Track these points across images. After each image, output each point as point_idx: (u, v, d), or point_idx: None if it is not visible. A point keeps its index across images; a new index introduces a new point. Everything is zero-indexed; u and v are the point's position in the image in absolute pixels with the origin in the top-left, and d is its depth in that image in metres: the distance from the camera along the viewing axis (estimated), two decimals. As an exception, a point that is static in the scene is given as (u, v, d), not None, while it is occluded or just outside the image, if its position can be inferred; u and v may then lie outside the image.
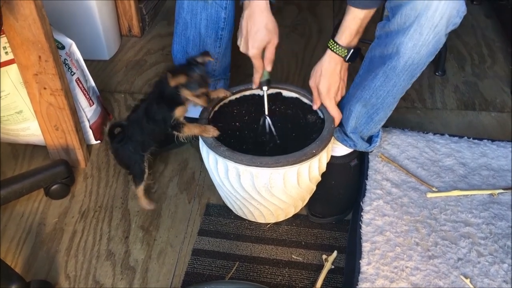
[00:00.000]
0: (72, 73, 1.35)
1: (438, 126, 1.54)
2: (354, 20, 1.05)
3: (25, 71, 1.22)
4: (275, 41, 1.11)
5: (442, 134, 1.40)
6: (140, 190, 1.25)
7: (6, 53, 1.23)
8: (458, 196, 1.23)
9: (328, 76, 1.12)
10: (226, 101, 1.24)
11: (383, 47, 1.08)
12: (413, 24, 0.98)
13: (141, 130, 1.20)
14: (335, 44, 1.09)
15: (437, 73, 1.74)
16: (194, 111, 1.23)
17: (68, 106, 1.29)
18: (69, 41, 1.35)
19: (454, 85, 1.71)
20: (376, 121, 1.20)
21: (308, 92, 1.21)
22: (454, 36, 1.91)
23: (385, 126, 1.42)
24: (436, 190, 1.24)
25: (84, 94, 1.40)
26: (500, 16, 1.95)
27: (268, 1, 1.09)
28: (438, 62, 1.74)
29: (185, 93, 1.10)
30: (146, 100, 1.21)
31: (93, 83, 1.47)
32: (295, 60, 1.84)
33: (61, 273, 1.16)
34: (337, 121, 1.17)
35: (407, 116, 1.58)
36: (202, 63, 1.13)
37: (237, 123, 1.21)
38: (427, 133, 1.41)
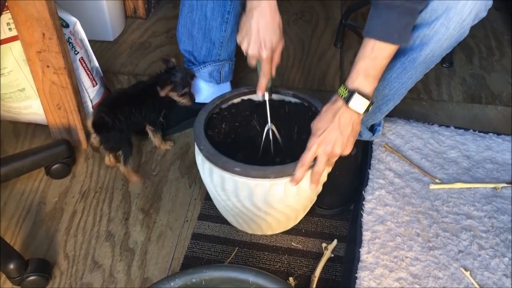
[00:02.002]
0: (76, 52, 1.34)
1: (443, 118, 1.53)
2: (364, 59, 0.93)
3: (28, 48, 1.20)
4: (283, 42, 1.05)
5: (448, 126, 1.39)
6: (129, 167, 1.29)
7: (10, 29, 1.22)
8: (461, 188, 1.22)
9: (322, 116, 0.98)
10: (222, 106, 1.17)
11: None
12: (440, 17, 0.95)
13: (138, 112, 1.29)
14: (341, 85, 0.97)
15: (444, 65, 1.73)
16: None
17: (71, 85, 1.27)
18: (74, 19, 1.34)
19: (461, 77, 1.70)
20: (384, 111, 1.18)
21: (313, 97, 1.15)
22: (462, 28, 1.89)
23: (390, 116, 1.41)
24: (439, 181, 1.23)
25: (88, 74, 1.39)
26: (510, 8, 1.92)
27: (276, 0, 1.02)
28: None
29: (172, 95, 1.34)
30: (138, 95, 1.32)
31: (96, 64, 1.45)
32: (301, 47, 1.82)
33: (60, 252, 1.16)
34: (295, 179, 0.98)
35: (413, 107, 1.56)
36: (178, 67, 1.36)
37: (234, 131, 1.14)
38: (432, 124, 1.40)
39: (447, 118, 1.53)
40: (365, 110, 0.96)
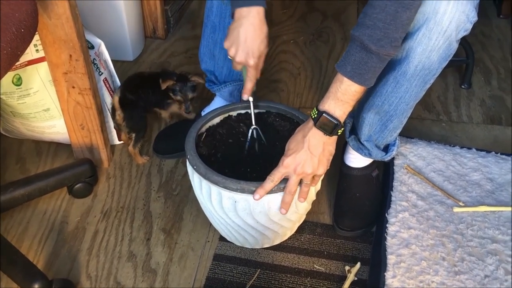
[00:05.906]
0: (100, 73, 1.36)
1: (463, 139, 1.52)
2: (335, 83, 0.96)
3: (55, 69, 1.22)
4: (267, 50, 1.11)
5: (469, 148, 1.39)
6: (137, 149, 1.40)
7: (37, 50, 1.24)
8: (485, 211, 1.21)
9: (294, 137, 1.01)
10: (210, 124, 1.20)
11: None
12: (421, 28, 0.96)
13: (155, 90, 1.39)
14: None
15: (463, 86, 1.73)
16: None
17: (95, 106, 1.29)
18: (99, 41, 1.36)
19: (480, 98, 1.69)
20: (391, 129, 1.17)
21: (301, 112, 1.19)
22: (480, 49, 1.89)
23: (410, 137, 1.41)
24: (463, 204, 1.22)
25: (111, 94, 1.40)
26: (528, 30, 1.93)
27: (264, 10, 1.07)
28: (465, 75, 1.72)
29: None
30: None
31: (119, 84, 1.47)
32: (319, 68, 1.83)
33: (82, 273, 1.16)
34: (258, 191, 0.99)
35: (432, 128, 1.56)
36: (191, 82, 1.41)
37: (225, 146, 1.16)
38: (453, 146, 1.39)
39: (467, 140, 1.52)
40: (334, 133, 0.99)
